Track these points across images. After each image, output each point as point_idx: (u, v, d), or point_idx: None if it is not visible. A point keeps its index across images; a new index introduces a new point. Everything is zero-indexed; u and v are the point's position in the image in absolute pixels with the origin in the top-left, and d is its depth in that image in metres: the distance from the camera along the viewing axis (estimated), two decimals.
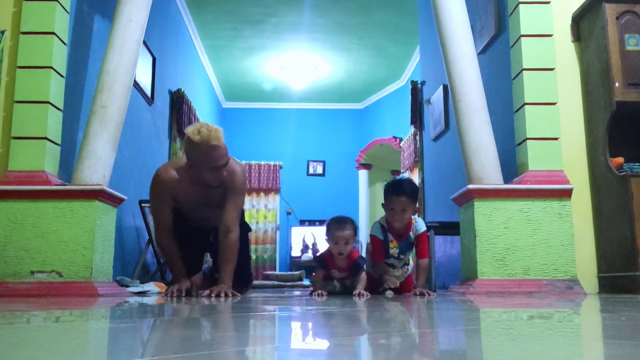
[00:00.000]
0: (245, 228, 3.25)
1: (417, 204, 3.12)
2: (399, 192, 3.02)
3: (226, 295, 2.63)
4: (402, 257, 3.16)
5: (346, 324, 1.26)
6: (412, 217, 3.13)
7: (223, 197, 2.90)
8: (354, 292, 2.92)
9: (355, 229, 3.10)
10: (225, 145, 2.76)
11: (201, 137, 2.67)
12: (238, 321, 1.27)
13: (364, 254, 3.42)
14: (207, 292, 2.66)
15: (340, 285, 3.18)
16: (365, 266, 3.21)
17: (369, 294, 2.93)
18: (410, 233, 3.14)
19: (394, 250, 3.11)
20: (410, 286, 3.25)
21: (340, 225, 3.05)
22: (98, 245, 3.14)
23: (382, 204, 3.13)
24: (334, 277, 3.16)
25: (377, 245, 3.14)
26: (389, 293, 3.05)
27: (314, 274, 3.57)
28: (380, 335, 0.95)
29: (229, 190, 2.88)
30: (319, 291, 3.03)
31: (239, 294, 2.76)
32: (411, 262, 3.30)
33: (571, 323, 1.33)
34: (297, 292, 4.05)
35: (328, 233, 3.10)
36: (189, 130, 2.73)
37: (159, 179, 2.88)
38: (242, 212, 3.29)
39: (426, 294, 2.90)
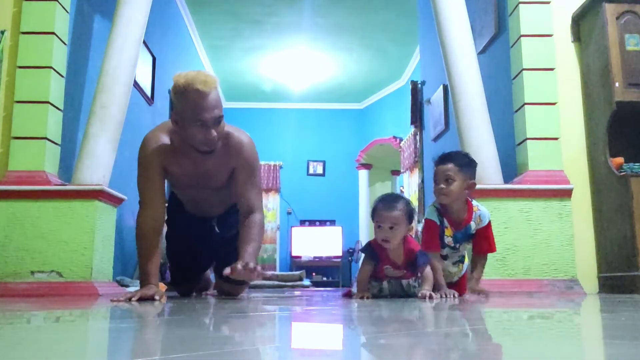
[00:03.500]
0: None
1: (472, 180, 2.50)
2: (444, 159, 2.51)
3: (249, 269, 2.10)
4: (457, 246, 2.58)
5: (343, 324, 1.26)
6: (474, 203, 2.59)
7: (226, 174, 2.42)
8: (419, 293, 2.31)
9: (409, 213, 2.41)
10: (218, 96, 2.21)
11: (185, 79, 2.14)
12: (238, 321, 1.27)
13: None
14: (227, 269, 2.12)
15: (393, 286, 2.46)
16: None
17: (441, 294, 2.34)
18: (472, 223, 2.55)
19: (448, 239, 2.55)
20: (465, 288, 2.71)
21: (388, 204, 2.40)
22: (98, 245, 3.14)
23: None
24: (385, 275, 2.45)
25: (433, 230, 2.53)
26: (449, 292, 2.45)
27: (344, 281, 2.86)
28: (380, 335, 0.95)
29: (238, 168, 2.39)
30: (363, 294, 2.36)
31: (267, 272, 2.38)
32: (467, 260, 2.76)
33: (571, 323, 1.33)
34: (297, 292, 4.04)
35: (373, 215, 2.46)
36: (175, 75, 2.22)
37: (146, 146, 2.36)
38: None
39: (483, 294, 2.49)
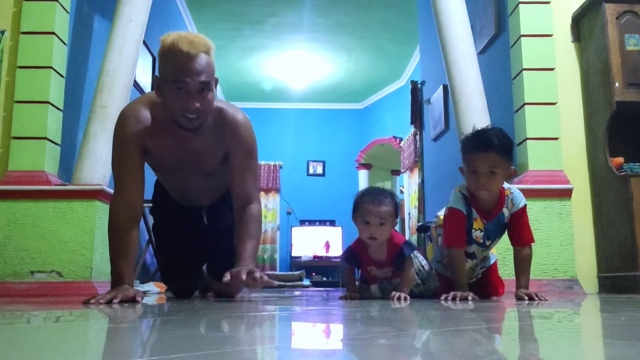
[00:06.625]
0: None
1: (513, 166, 2.16)
2: (485, 146, 2.07)
3: (253, 278, 1.85)
4: (487, 243, 2.22)
5: (342, 324, 1.26)
6: (505, 185, 2.20)
7: (218, 157, 2.11)
8: (392, 294, 2.12)
9: (397, 207, 2.23)
10: (209, 63, 1.89)
11: (172, 39, 1.86)
12: (238, 321, 1.27)
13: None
14: (227, 276, 1.86)
15: (380, 289, 2.30)
16: (433, 261, 2.36)
17: (455, 296, 2.05)
18: (504, 209, 2.18)
19: (477, 232, 2.17)
20: (499, 288, 2.37)
21: (375, 198, 2.19)
22: (98, 245, 3.15)
23: (460, 168, 2.22)
24: (371, 276, 2.30)
25: (459, 222, 2.15)
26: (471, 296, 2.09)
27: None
28: (379, 335, 0.95)
29: (233, 150, 2.07)
30: (352, 294, 2.22)
31: (275, 282, 1.96)
32: (494, 251, 2.39)
33: (571, 323, 1.33)
34: (297, 292, 4.05)
35: (356, 210, 2.24)
36: (163, 35, 1.92)
37: (122, 121, 2.02)
38: None
39: (536, 298, 2.04)
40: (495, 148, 2.07)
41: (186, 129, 1.97)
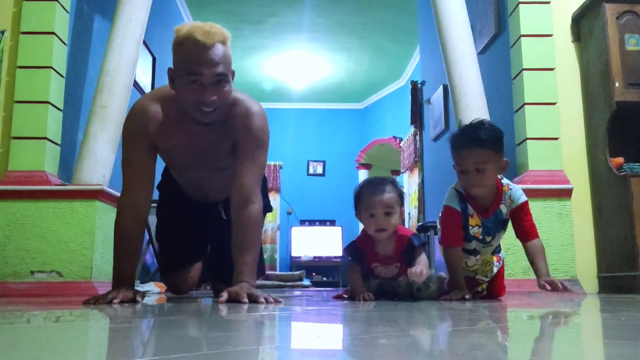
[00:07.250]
0: (265, 204, 2.11)
1: (504, 158, 2.07)
2: (473, 142, 2.02)
3: (253, 300, 1.73)
4: (487, 239, 2.14)
5: (343, 324, 1.26)
6: (503, 181, 2.15)
7: (229, 150, 2.00)
8: (411, 269, 1.96)
9: (400, 194, 2.10)
10: (225, 54, 1.81)
11: (187, 29, 1.79)
12: (238, 321, 1.27)
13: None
14: (224, 295, 1.74)
15: (380, 286, 2.15)
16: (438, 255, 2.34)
17: (451, 297, 2.00)
18: (502, 205, 2.12)
19: (475, 229, 2.11)
20: (501, 290, 2.29)
21: (377, 188, 2.06)
22: (98, 245, 3.15)
23: (453, 166, 2.13)
24: (376, 275, 2.14)
25: (454, 220, 2.11)
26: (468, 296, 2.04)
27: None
28: (380, 335, 0.95)
29: (242, 141, 1.95)
30: (365, 294, 2.01)
31: (279, 299, 1.82)
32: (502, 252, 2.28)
33: (571, 323, 1.33)
34: (297, 292, 4.05)
35: (358, 204, 2.11)
36: (178, 26, 1.85)
37: (131, 117, 1.96)
38: (265, 182, 2.27)
39: (560, 286, 1.99)
40: (482, 143, 2.00)
41: (199, 123, 1.88)
